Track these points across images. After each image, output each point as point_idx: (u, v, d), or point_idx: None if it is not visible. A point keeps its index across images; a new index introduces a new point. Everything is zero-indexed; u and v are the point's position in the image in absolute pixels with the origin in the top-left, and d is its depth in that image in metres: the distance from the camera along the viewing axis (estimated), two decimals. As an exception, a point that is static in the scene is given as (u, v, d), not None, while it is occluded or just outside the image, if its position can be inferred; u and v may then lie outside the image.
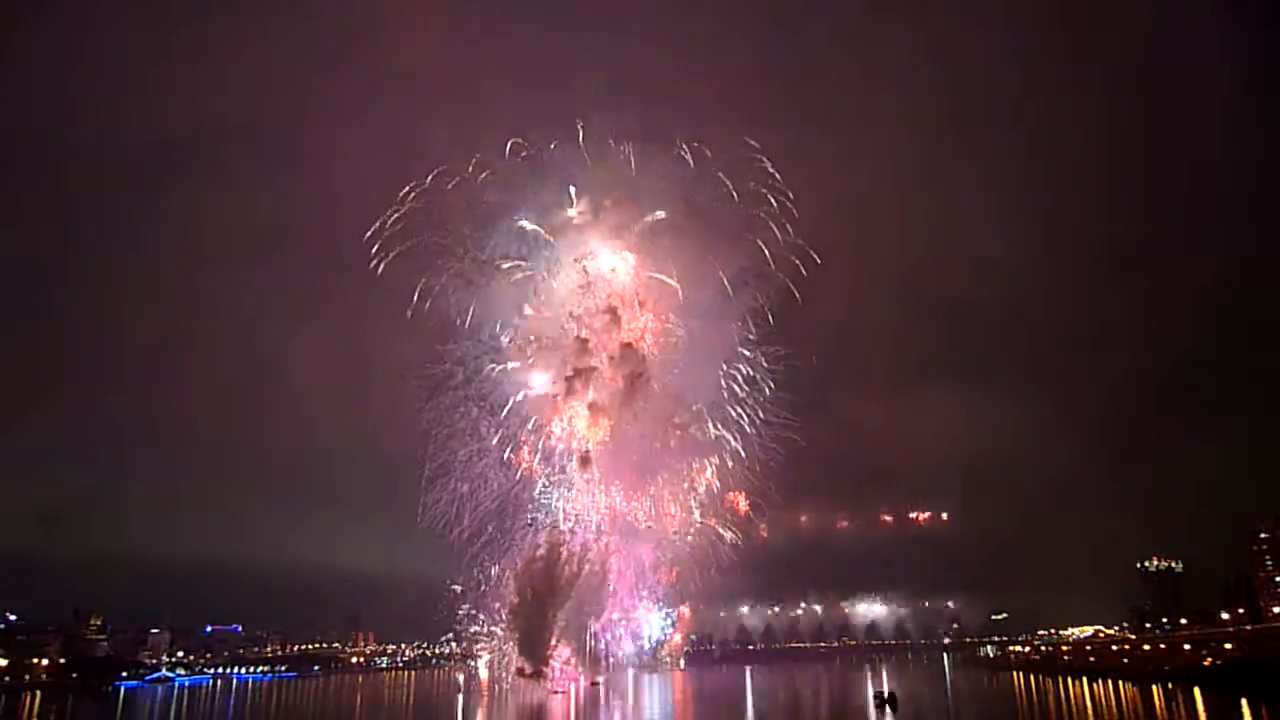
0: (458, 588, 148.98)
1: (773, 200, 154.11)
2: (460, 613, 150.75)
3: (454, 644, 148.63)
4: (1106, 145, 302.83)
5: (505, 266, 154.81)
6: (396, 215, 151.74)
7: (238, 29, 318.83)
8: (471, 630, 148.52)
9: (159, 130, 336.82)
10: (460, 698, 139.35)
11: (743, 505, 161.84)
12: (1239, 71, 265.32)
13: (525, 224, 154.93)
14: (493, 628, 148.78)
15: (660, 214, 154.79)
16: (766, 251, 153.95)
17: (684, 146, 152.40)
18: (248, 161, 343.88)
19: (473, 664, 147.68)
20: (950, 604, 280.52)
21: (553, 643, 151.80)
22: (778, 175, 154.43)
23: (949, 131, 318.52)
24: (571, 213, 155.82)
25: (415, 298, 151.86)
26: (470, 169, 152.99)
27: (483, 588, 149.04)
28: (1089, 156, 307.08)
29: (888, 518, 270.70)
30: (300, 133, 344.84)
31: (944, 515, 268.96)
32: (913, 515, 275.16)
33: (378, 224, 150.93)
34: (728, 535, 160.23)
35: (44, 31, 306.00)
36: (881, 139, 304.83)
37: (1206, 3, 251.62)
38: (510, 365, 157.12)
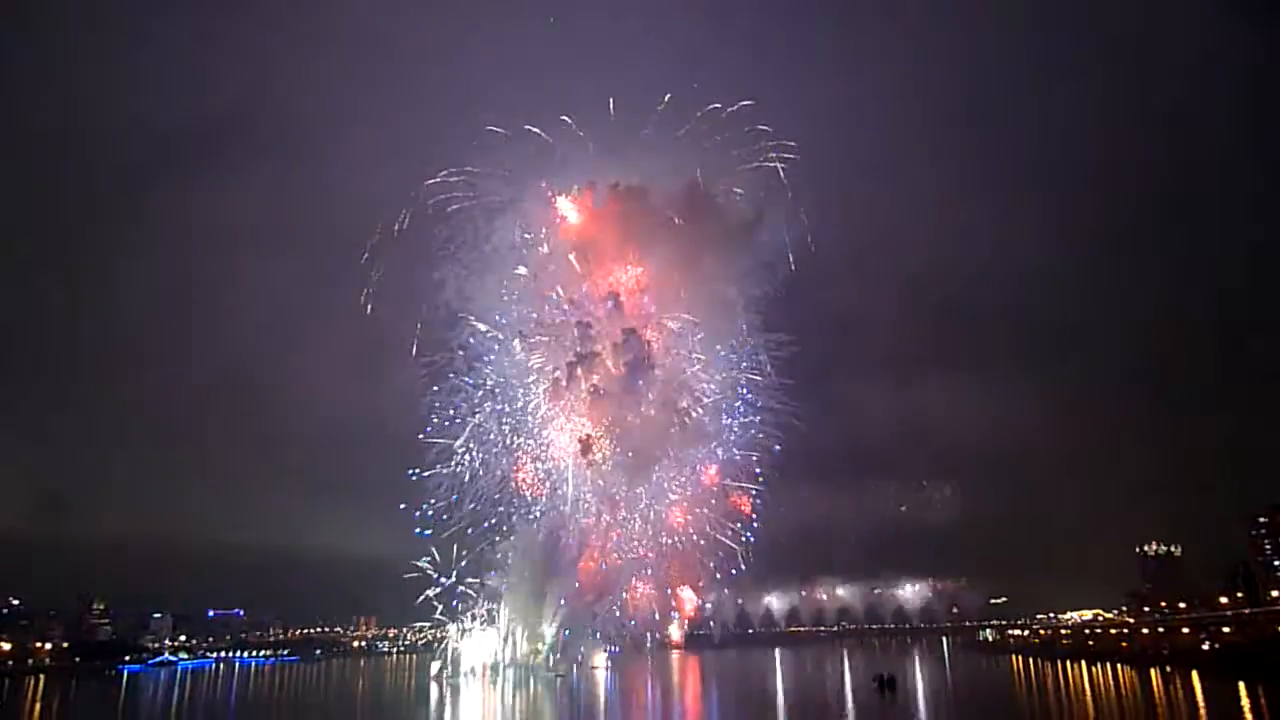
0: (425, 565, 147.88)
1: (779, 189, 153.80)
2: (467, 594, 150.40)
3: (451, 627, 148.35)
4: (1108, 143, 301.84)
5: (507, 254, 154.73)
6: (403, 208, 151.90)
7: (246, 28, 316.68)
8: (468, 613, 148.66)
9: (165, 126, 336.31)
10: (452, 683, 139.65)
11: (746, 508, 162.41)
12: (1240, 70, 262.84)
13: (528, 213, 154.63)
14: (491, 610, 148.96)
15: (665, 209, 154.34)
16: (770, 241, 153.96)
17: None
18: (255, 156, 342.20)
19: (456, 649, 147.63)
20: (949, 588, 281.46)
21: (552, 626, 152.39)
22: (782, 169, 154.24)
23: (952, 129, 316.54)
24: (574, 202, 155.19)
25: (419, 284, 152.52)
26: (475, 161, 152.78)
27: (482, 573, 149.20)
28: (1091, 154, 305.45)
29: (887, 503, 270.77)
30: (308, 128, 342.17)
31: (944, 500, 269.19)
32: (912, 501, 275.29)
33: (382, 223, 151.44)
34: (729, 531, 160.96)
35: (49, 28, 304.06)
36: (885, 134, 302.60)
37: (1209, 2, 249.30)
38: (511, 350, 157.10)
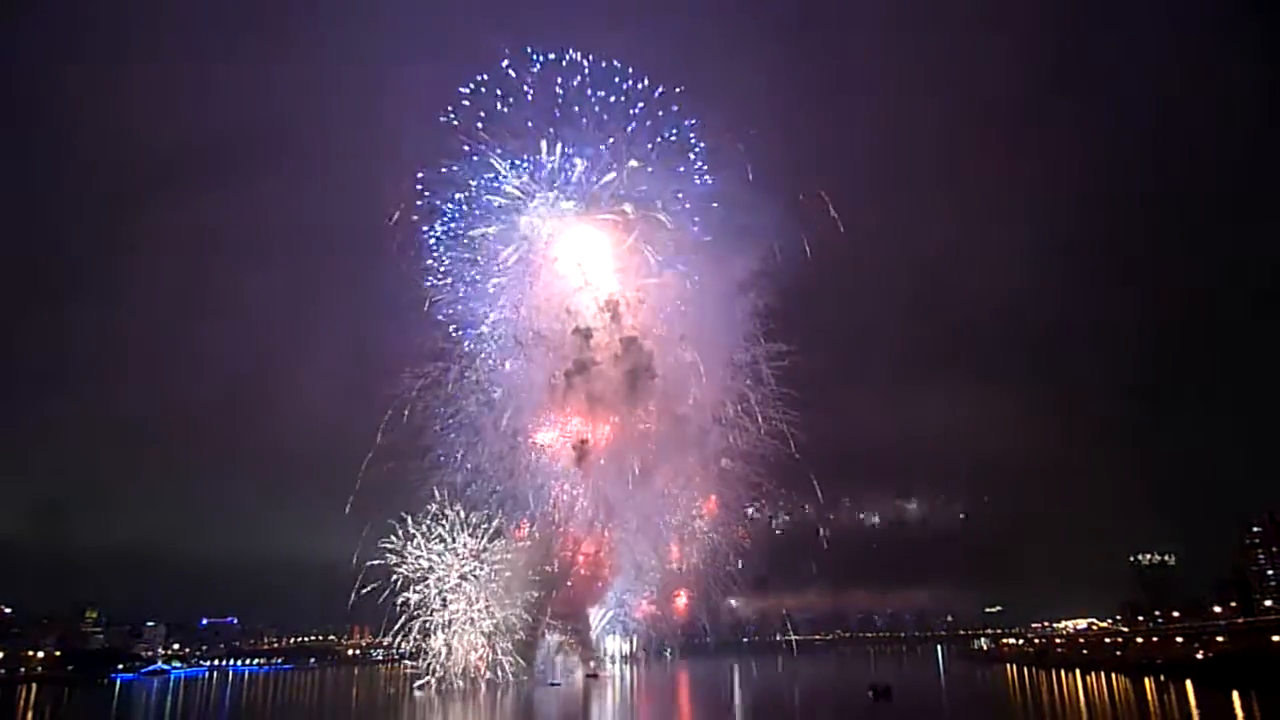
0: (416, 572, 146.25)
1: (781, 202, 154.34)
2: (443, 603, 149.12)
3: (440, 635, 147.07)
4: (1109, 144, 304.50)
5: (507, 263, 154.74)
6: (400, 220, 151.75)
7: (254, 37, 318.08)
8: (458, 621, 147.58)
9: (165, 138, 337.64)
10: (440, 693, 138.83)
11: (745, 535, 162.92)
12: (1239, 71, 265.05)
13: (527, 220, 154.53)
14: (476, 619, 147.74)
15: (665, 212, 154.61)
16: (772, 252, 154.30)
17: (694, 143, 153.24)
18: (252, 164, 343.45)
19: (440, 660, 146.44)
20: (945, 596, 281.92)
21: (541, 633, 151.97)
22: (781, 174, 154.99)
23: (953, 131, 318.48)
24: (574, 212, 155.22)
25: (414, 293, 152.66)
26: (474, 171, 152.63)
27: (468, 580, 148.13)
28: (1092, 156, 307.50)
29: (884, 511, 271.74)
30: (311, 142, 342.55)
31: (940, 509, 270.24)
32: (909, 509, 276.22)
33: (379, 235, 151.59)
34: (726, 554, 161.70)
35: (64, 33, 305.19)
36: (886, 138, 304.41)
37: (1209, 3, 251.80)
38: (509, 358, 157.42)
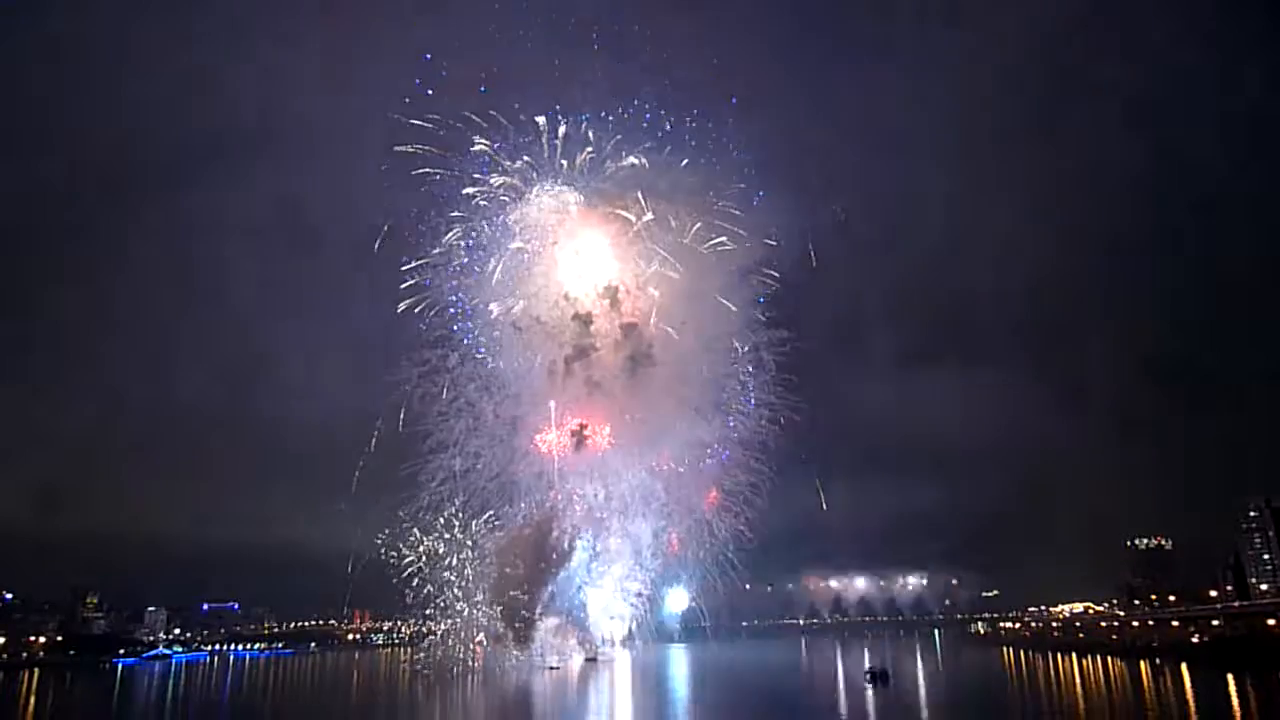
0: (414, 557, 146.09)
1: (783, 188, 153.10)
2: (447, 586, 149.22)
3: (442, 620, 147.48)
4: (1109, 141, 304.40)
5: (507, 248, 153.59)
6: (400, 206, 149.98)
7: (252, 34, 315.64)
8: (453, 607, 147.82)
9: (169, 132, 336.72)
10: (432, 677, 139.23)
11: (746, 527, 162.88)
12: (1239, 71, 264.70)
13: (525, 208, 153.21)
14: (474, 604, 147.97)
15: (670, 200, 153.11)
16: (775, 239, 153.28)
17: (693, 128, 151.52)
18: (252, 157, 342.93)
19: (438, 641, 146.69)
20: (943, 581, 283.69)
21: (538, 617, 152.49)
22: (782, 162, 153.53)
23: (954, 125, 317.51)
24: (574, 197, 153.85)
25: (413, 280, 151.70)
26: (472, 156, 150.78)
27: (466, 565, 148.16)
28: (1092, 152, 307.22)
29: (883, 498, 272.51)
30: (313, 136, 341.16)
31: (939, 495, 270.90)
32: (908, 495, 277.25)
33: (377, 222, 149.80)
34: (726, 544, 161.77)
35: (68, 30, 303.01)
36: (887, 131, 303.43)
37: (1208, 5, 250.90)
38: (507, 345, 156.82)
